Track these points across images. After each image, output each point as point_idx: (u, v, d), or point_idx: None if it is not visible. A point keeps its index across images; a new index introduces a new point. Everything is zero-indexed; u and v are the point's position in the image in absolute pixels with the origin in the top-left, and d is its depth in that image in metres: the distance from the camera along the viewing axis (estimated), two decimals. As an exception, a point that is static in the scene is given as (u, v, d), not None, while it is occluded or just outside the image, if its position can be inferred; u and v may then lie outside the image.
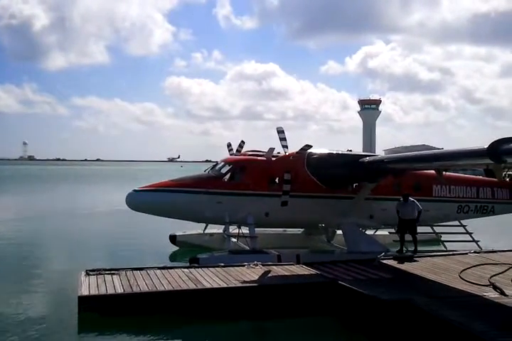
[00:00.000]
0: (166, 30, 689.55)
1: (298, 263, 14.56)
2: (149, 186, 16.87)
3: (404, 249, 16.43)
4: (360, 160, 16.02)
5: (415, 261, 14.99)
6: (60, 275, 14.93)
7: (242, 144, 18.74)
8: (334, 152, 16.81)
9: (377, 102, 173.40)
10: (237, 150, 18.59)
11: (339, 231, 18.07)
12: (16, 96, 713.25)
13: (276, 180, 16.53)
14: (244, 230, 17.21)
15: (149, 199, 16.43)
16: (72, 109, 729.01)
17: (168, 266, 14.33)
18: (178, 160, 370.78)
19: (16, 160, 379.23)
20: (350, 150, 17.74)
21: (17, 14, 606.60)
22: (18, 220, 29.28)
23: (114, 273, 12.56)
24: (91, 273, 12.47)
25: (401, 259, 15.05)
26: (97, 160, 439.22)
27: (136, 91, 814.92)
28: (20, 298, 12.50)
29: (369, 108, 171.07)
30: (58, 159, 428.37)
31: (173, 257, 18.19)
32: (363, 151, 23.28)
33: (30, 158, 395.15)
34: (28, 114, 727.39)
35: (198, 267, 13.66)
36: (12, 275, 14.97)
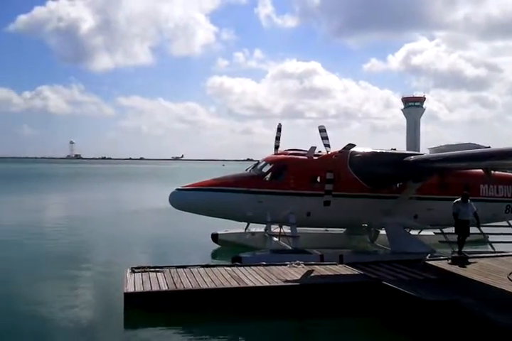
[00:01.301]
0: (209, 31, 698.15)
1: (341, 263, 14.44)
2: (192, 185, 17.07)
3: (451, 250, 16.03)
4: (405, 159, 15.71)
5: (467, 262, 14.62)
6: (106, 272, 15.28)
7: (279, 126, 18.50)
8: (378, 151, 16.57)
9: (422, 100, 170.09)
10: (275, 147, 18.43)
11: (382, 232, 17.81)
12: (63, 97, 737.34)
13: (318, 180, 16.43)
14: (286, 229, 17.21)
15: (192, 198, 16.63)
16: (117, 109, 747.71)
17: (211, 264, 14.49)
18: (182, 158, 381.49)
19: (63, 158, 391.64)
20: (394, 149, 17.49)
21: (64, 17, 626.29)
22: (66, 218, 30.17)
23: (158, 271, 12.78)
24: (136, 270, 12.73)
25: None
26: (141, 158, 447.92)
27: (178, 91, 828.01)
28: (68, 293, 12.90)
29: (413, 105, 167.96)
30: (104, 158, 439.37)
31: (215, 255, 18.36)
32: (407, 150, 22.88)
33: (77, 157, 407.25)
34: (75, 114, 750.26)
35: (240, 266, 13.75)
36: (60, 271, 15.41)
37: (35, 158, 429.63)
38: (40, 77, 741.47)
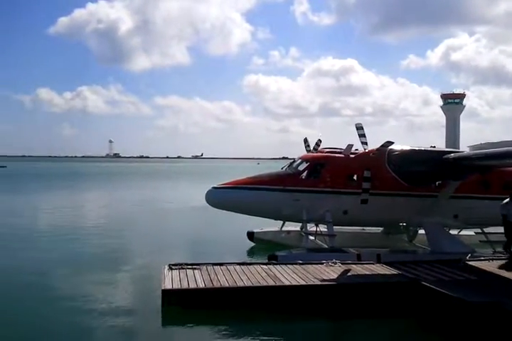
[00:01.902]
0: (245, 30, 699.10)
1: (378, 262, 14.24)
2: (228, 183, 17.14)
3: (492, 250, 15.60)
4: (445, 156, 15.35)
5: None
6: (144, 269, 15.50)
7: (319, 143, 18.55)
8: (416, 148, 16.25)
9: (461, 96, 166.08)
10: (314, 149, 18.45)
11: (421, 231, 17.47)
12: (102, 97, 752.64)
13: (355, 178, 16.24)
14: (322, 228, 17.09)
15: (228, 197, 16.70)
16: (155, 109, 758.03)
17: (247, 262, 14.51)
18: (201, 157, 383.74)
19: (102, 157, 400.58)
20: (434, 147, 17.07)
21: (103, 19, 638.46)
22: (106, 216, 30.85)
23: (195, 268, 12.88)
24: (174, 267, 12.86)
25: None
26: (178, 157, 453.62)
27: (215, 90, 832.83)
28: (107, 289, 13.15)
29: (452, 102, 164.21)
30: (141, 156, 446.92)
31: (250, 253, 18.40)
32: (446, 147, 22.36)
33: (116, 156, 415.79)
34: (113, 114, 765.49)
35: (276, 264, 13.73)
36: (99, 267, 15.74)
37: (75, 156, 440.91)
38: (79, 78, 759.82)
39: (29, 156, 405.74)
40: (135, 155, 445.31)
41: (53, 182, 67.56)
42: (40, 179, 75.92)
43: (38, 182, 66.50)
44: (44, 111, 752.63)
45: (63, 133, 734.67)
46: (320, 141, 18.62)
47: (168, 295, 11.05)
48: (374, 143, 16.29)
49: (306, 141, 19.24)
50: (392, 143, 15.57)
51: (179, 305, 10.96)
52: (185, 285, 11.41)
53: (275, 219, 17.90)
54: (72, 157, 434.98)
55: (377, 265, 13.88)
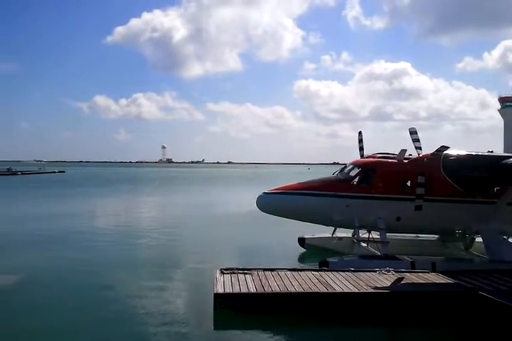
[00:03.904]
0: (296, 35, 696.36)
1: (433, 271, 13.88)
2: (279, 189, 17.16)
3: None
4: (503, 161, 14.80)
5: None
6: (196, 273, 15.73)
7: (360, 138, 18.22)
8: (473, 153, 15.75)
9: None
10: (360, 149, 18.05)
11: (478, 239, 16.89)
12: (157, 104, 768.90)
13: (409, 183, 15.91)
14: (375, 235, 16.82)
15: (278, 202, 16.72)
16: (207, 115, 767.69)
17: (298, 268, 14.47)
18: (203, 162, 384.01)
19: (155, 162, 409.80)
20: (491, 152, 16.48)
21: (158, 27, 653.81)
22: (158, 220, 31.51)
23: (246, 273, 12.96)
24: (225, 271, 12.99)
25: None
26: (229, 162, 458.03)
27: (266, 96, 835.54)
28: (160, 293, 13.36)
29: (510, 106, 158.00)
30: (193, 162, 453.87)
31: (301, 259, 18.32)
32: (505, 152, 21.50)
33: (169, 161, 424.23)
34: (167, 120, 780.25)
35: (328, 270, 13.63)
36: (153, 270, 16.08)
37: (130, 162, 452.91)
38: (135, 85, 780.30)
39: (86, 162, 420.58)
40: (187, 161, 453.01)
41: (109, 188, 69.63)
42: (95, 184, 78.51)
43: (91, 187, 68.74)
44: (101, 118, 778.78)
45: (119, 139, 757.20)
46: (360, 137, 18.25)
47: (220, 298, 11.14)
48: (429, 148, 15.93)
49: (360, 133, 18.58)
50: (448, 147, 15.16)
51: (231, 309, 11.04)
52: (236, 290, 11.49)
53: (326, 225, 17.74)
54: (126, 162, 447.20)
55: (433, 274, 13.53)
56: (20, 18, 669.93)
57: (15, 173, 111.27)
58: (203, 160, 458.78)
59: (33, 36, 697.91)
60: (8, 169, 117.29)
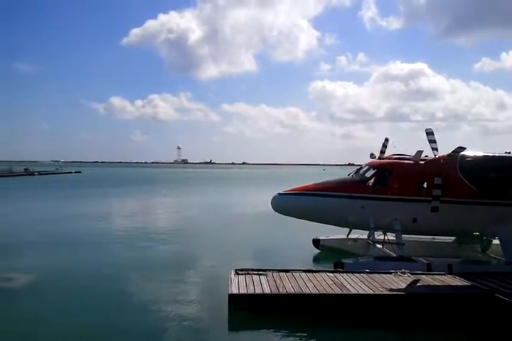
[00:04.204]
0: (311, 36, 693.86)
1: (450, 273, 13.75)
2: (293, 190, 17.15)
3: None
4: (521, 163, 14.63)
5: None
6: (211, 273, 15.76)
7: (383, 149, 18.05)
8: (490, 154, 15.58)
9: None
10: (381, 152, 18.00)
11: (496, 241, 16.70)
12: (172, 105, 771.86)
13: (425, 185, 15.79)
14: (390, 236, 16.71)
15: (293, 203, 16.71)
16: (222, 116, 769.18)
17: (313, 269, 14.43)
18: (265, 163, 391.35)
19: (171, 163, 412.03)
20: (509, 153, 16.29)
21: (174, 28, 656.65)
22: (173, 221, 31.66)
23: (261, 274, 12.97)
24: (240, 272, 13.01)
25: None
26: (243, 163, 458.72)
27: (280, 97, 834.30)
28: (175, 293, 13.41)
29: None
30: (208, 162, 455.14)
31: (316, 260, 18.27)
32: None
33: (184, 162, 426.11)
34: (182, 121, 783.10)
35: (342, 272, 13.57)
36: (168, 271, 16.15)
37: (145, 162, 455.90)
38: (150, 86, 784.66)
39: (102, 162, 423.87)
40: (202, 161, 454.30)
41: (125, 188, 70.13)
42: (112, 184, 79.15)
43: (108, 188, 69.28)
44: (116, 119, 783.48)
45: (134, 139, 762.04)
46: (385, 143, 18.03)
47: (234, 299, 11.16)
48: (445, 149, 15.78)
49: (386, 140, 18.19)
50: (464, 148, 15.00)
51: (245, 309, 11.06)
52: (251, 291, 11.50)
53: (341, 227, 17.70)
54: (142, 163, 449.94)
55: (449, 276, 13.42)
56: (39, 20, 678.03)
57: (32, 174, 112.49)
58: (211, 160, 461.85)
59: (51, 38, 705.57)
60: (25, 169, 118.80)
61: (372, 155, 18.42)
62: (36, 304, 12.25)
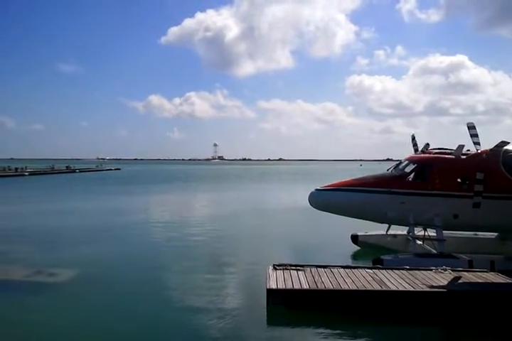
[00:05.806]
0: (349, 31, 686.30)
1: (492, 270, 13.43)
2: (331, 185, 17.04)
3: None
4: None
5: None
6: (249, 268, 15.83)
7: (427, 147, 17.69)
8: (535, 149, 15.09)
9: None
10: (422, 151, 17.72)
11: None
12: (209, 102, 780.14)
13: (467, 180, 15.43)
14: (431, 232, 16.43)
15: (331, 199, 16.61)
16: (258, 112, 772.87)
17: (352, 265, 14.33)
18: (302, 159, 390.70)
19: (207, 160, 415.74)
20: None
21: (211, 27, 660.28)
22: (212, 216, 31.94)
23: (299, 269, 12.97)
24: (278, 267, 13.04)
25: None
26: (279, 159, 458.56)
27: (317, 92, 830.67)
28: (214, 287, 13.54)
29: None
30: (244, 159, 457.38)
31: (354, 257, 18.12)
32: None
33: (220, 158, 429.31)
34: (219, 118, 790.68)
35: (382, 268, 13.42)
36: (207, 266, 16.37)
37: (183, 159, 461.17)
38: (188, 84, 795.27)
39: (141, 159, 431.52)
40: (238, 158, 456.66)
41: (164, 184, 71.20)
42: (152, 180, 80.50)
43: (149, 184, 70.45)
44: (155, 117, 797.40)
45: (172, 137, 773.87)
46: (428, 144, 17.74)
47: (272, 294, 11.20)
48: (488, 144, 15.40)
49: (413, 138, 18.49)
50: (508, 143, 14.61)
51: (283, 304, 11.09)
52: (289, 286, 11.51)
53: (380, 223, 17.50)
54: (179, 160, 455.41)
55: (491, 273, 13.10)
56: (81, 22, 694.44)
57: (73, 171, 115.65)
58: (246, 158, 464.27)
59: (92, 39, 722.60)
60: (66, 167, 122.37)
61: (427, 145, 17.76)
62: (98, 295, 12.67)
